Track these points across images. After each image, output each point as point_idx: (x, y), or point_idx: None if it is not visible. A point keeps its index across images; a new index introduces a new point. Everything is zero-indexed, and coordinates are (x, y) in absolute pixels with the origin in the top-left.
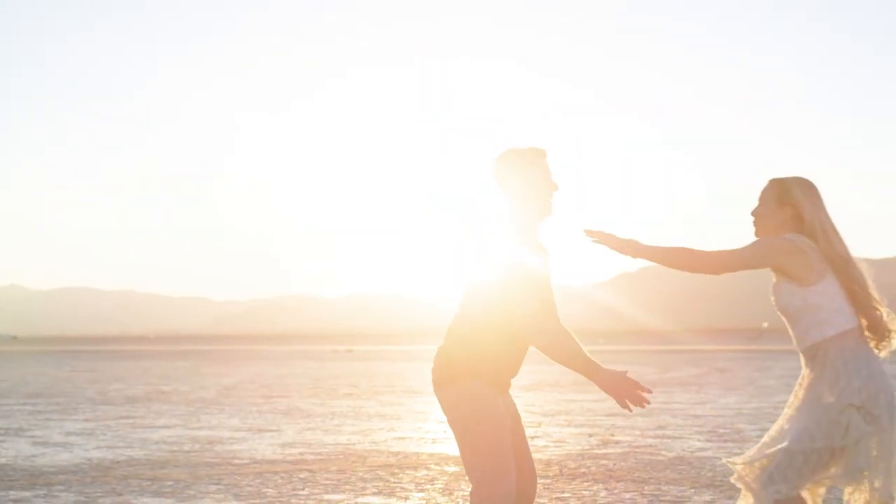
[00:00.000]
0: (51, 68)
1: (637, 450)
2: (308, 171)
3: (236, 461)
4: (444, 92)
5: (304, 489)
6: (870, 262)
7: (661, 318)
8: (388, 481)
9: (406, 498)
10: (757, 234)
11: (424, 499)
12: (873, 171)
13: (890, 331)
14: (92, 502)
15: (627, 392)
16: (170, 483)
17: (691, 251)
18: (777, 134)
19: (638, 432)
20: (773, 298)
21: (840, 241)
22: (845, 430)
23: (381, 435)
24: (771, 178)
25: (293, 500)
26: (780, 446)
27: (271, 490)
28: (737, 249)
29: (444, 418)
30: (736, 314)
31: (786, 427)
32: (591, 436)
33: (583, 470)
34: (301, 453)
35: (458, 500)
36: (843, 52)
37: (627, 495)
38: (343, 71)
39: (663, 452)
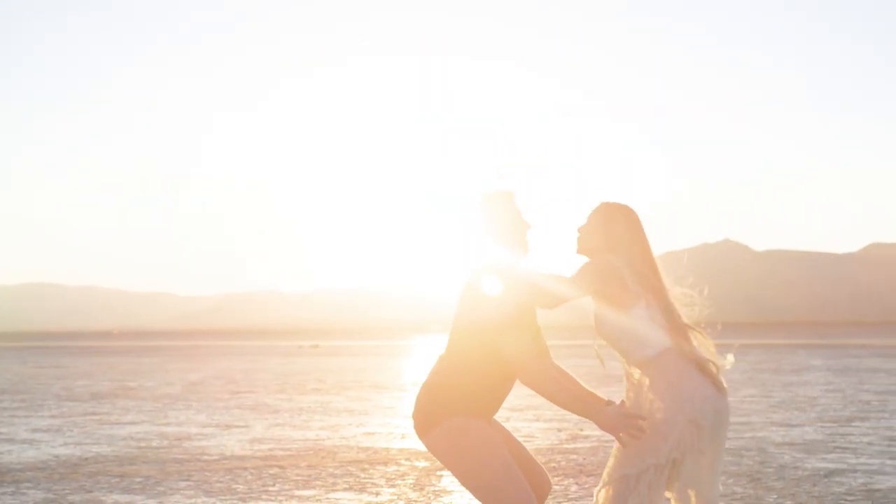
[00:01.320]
0: (27, 68)
1: (606, 444)
2: (272, 166)
3: (205, 457)
4: (424, 89)
5: (274, 485)
6: (835, 257)
7: None
8: (358, 477)
9: (377, 493)
10: (578, 251)
11: (395, 494)
12: (851, 168)
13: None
14: (61, 499)
15: (625, 427)
16: (139, 479)
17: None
18: (774, 135)
19: None
20: (593, 323)
21: (655, 269)
22: (677, 443)
23: (349, 430)
24: (602, 201)
25: (264, 496)
26: (621, 472)
27: (241, 486)
28: (566, 285)
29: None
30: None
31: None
32: (559, 430)
33: (553, 465)
34: (270, 449)
35: (429, 495)
36: (827, 51)
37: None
38: (332, 63)
39: None
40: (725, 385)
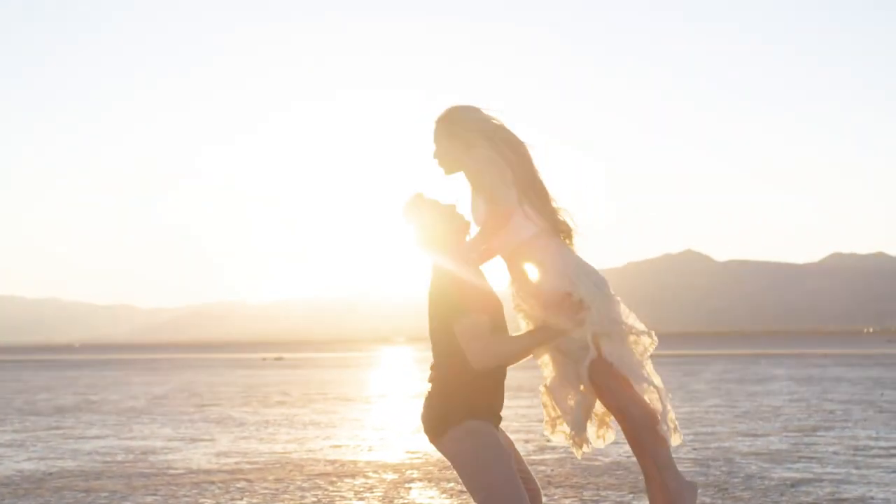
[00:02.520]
0: None
1: (573, 455)
2: (235, 179)
3: (171, 471)
4: (386, 117)
5: (242, 499)
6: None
7: None
8: (326, 490)
9: None
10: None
11: None
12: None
13: None
14: None
15: (568, 309)
16: (105, 494)
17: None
18: (736, 147)
19: None
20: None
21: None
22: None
23: (316, 443)
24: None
25: None
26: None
27: (209, 500)
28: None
29: (448, 462)
30: (660, 319)
31: None
32: (527, 441)
33: None
34: (237, 462)
35: None
36: (785, 64)
37: (567, 501)
38: (312, 85)
39: (600, 458)
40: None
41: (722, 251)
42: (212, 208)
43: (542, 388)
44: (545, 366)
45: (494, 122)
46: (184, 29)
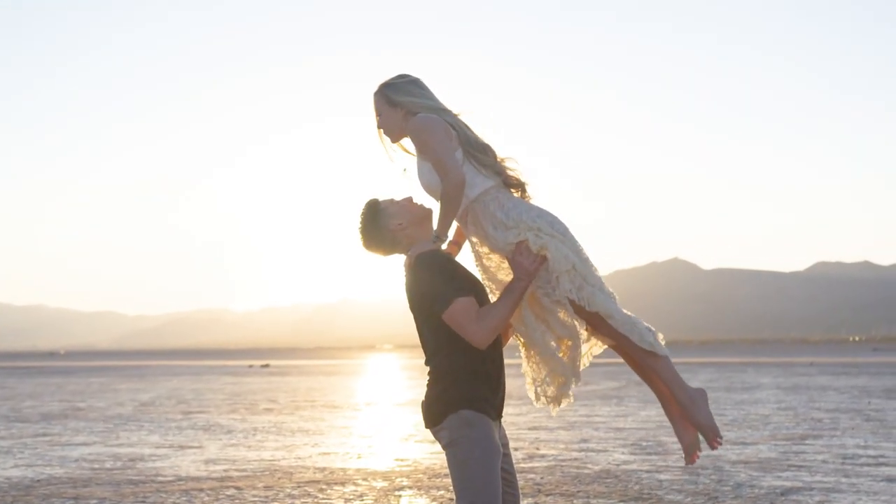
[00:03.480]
0: None
1: (563, 463)
2: (222, 186)
3: (160, 478)
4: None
5: None
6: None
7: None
8: (316, 497)
9: None
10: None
11: None
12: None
13: None
14: None
15: (529, 260)
16: (94, 502)
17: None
18: (722, 155)
19: (562, 446)
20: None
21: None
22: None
23: (305, 451)
24: None
25: None
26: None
27: None
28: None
29: (440, 448)
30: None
31: None
32: (516, 450)
33: None
34: (226, 470)
35: None
36: (772, 73)
37: None
38: (293, 94)
39: (589, 466)
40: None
41: (709, 259)
42: (197, 216)
43: (523, 356)
44: (527, 328)
45: (430, 92)
46: (173, 38)
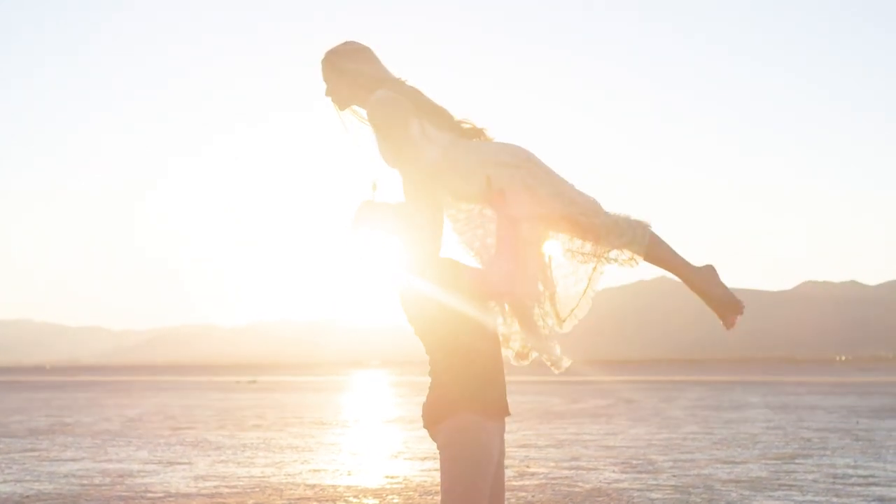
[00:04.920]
0: None
1: (553, 481)
2: (207, 200)
3: (150, 495)
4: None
5: None
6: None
7: (562, 347)
8: None
9: None
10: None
11: None
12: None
13: None
14: None
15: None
16: None
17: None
18: (708, 172)
19: (553, 464)
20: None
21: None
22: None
23: (295, 467)
24: None
25: None
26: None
27: None
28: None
29: (437, 452)
30: (635, 346)
31: None
32: (507, 467)
33: None
34: (216, 486)
35: None
36: (752, 90)
37: None
38: (272, 105)
39: (580, 484)
40: None
41: None
42: (183, 231)
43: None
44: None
45: (378, 60)
46: (147, 47)
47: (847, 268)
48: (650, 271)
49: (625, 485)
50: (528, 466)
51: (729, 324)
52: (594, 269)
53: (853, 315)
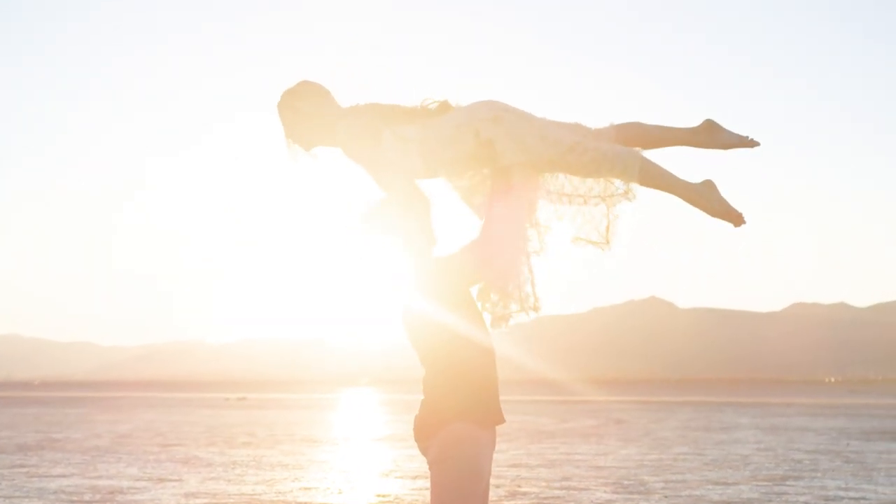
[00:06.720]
0: None
1: (545, 501)
2: (193, 214)
3: None
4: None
5: None
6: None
7: (553, 367)
8: None
9: None
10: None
11: None
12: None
13: None
14: None
15: None
16: None
17: None
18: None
19: (544, 483)
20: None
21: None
22: None
23: (285, 485)
24: None
25: None
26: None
27: None
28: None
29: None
30: (625, 365)
31: None
32: (497, 487)
33: None
34: None
35: None
36: (749, 104)
37: None
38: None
39: None
40: None
41: (685, 298)
42: (172, 246)
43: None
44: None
45: (331, 96)
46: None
47: (837, 290)
48: (641, 291)
49: None
50: (519, 486)
51: (737, 224)
52: (606, 211)
53: (843, 337)
